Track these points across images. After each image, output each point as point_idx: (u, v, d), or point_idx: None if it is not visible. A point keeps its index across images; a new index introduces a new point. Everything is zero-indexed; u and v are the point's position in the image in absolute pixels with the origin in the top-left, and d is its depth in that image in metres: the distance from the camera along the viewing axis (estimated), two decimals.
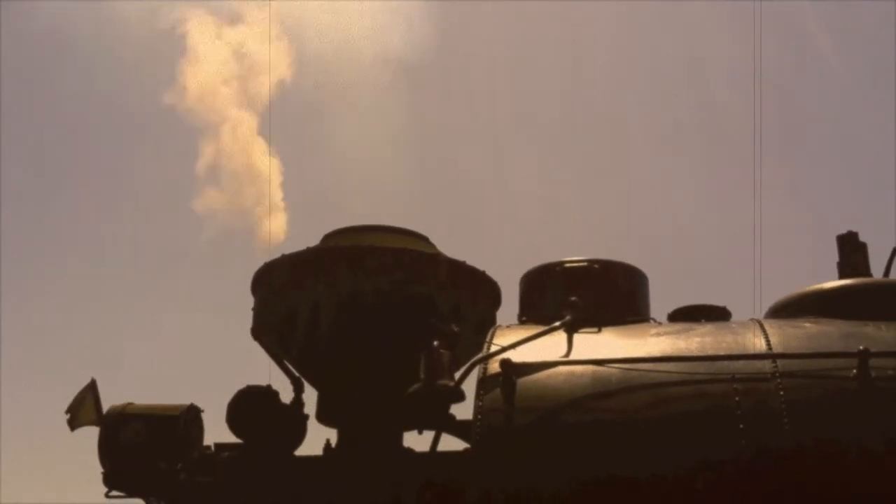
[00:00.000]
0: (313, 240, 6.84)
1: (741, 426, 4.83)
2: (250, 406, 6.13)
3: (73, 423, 6.43)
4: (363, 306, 6.20)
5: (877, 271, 6.36)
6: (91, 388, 6.58)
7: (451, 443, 5.74)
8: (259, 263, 6.81)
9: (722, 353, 5.27)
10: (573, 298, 5.86)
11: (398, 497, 5.41)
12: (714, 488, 4.69)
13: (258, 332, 6.76)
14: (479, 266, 6.66)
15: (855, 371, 4.96)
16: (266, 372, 6.77)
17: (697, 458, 4.79)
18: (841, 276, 6.28)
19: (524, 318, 6.41)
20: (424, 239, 6.81)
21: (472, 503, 4.88)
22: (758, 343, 5.33)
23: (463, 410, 5.59)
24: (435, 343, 5.62)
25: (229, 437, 6.32)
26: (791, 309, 5.95)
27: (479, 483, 4.95)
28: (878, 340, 5.20)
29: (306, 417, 6.41)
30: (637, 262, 6.54)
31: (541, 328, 5.73)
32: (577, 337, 5.69)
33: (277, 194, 7.77)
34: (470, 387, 5.48)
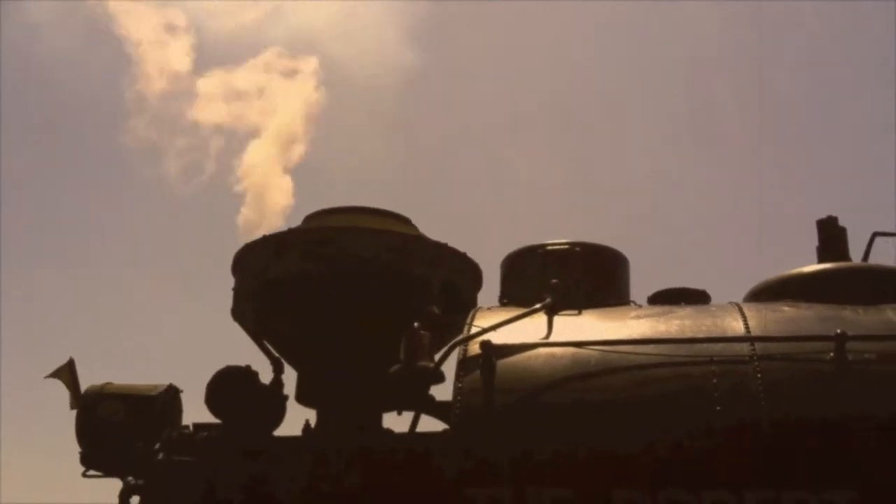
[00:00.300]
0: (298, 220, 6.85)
1: (718, 408, 4.86)
2: (229, 386, 6.10)
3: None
4: (343, 287, 6.18)
5: (856, 256, 6.41)
6: (69, 368, 6.55)
7: (430, 424, 5.75)
8: (240, 244, 6.79)
9: (701, 335, 5.29)
10: (554, 281, 5.88)
11: (374, 476, 5.40)
12: (691, 469, 4.71)
13: (238, 313, 6.74)
14: (461, 248, 6.65)
15: (832, 354, 4.99)
16: (246, 353, 6.77)
17: (675, 440, 4.81)
18: (820, 261, 6.32)
19: (505, 301, 6.43)
20: (406, 221, 6.79)
21: (451, 483, 4.89)
22: (736, 326, 5.36)
23: (443, 392, 5.61)
24: (415, 324, 5.62)
25: (208, 418, 6.31)
26: (770, 293, 5.99)
27: (458, 464, 4.96)
28: (856, 324, 5.24)
29: (286, 398, 6.40)
30: (619, 245, 6.57)
31: (521, 310, 5.75)
32: (557, 319, 5.71)
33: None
34: (450, 368, 5.51)
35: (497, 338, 5.42)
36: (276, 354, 6.62)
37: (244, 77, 8.36)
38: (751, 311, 5.53)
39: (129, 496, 5.98)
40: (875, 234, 6.47)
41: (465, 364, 5.35)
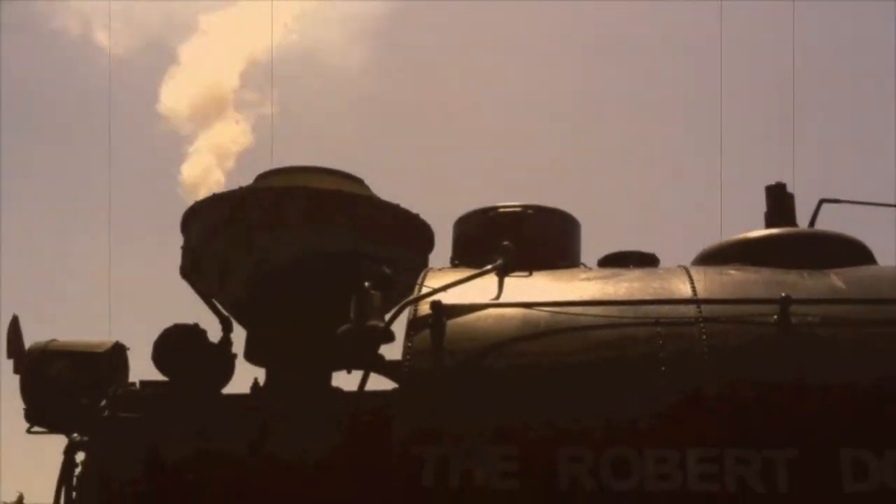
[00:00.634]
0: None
1: (663, 368, 4.91)
2: (176, 344, 6.06)
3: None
4: (293, 247, 6.13)
5: (803, 223, 6.49)
6: (12, 326, 6.44)
7: (380, 383, 5.77)
8: (190, 201, 6.71)
9: (648, 297, 5.35)
10: (505, 243, 5.89)
11: (322, 435, 5.41)
12: (636, 427, 4.77)
13: (187, 272, 6.67)
14: (413, 209, 6.63)
15: (776, 317, 5.07)
16: (195, 311, 6.71)
17: (620, 400, 4.87)
18: (768, 226, 6.40)
19: (457, 262, 6.44)
20: (359, 181, 6.75)
21: (400, 442, 4.91)
22: (683, 289, 5.42)
23: (393, 351, 5.62)
24: (366, 284, 5.61)
25: (156, 376, 6.26)
26: (718, 257, 6.06)
27: (407, 423, 4.97)
28: (800, 288, 5.32)
29: (234, 356, 6.37)
30: (571, 209, 6.60)
31: (473, 271, 5.76)
32: (508, 280, 5.73)
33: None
34: (400, 328, 5.52)
35: (447, 298, 5.42)
36: (226, 313, 6.57)
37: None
38: (698, 274, 5.60)
39: (75, 452, 5.93)
40: (822, 201, 6.56)
41: (414, 324, 5.36)
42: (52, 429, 6.20)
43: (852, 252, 5.97)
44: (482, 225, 6.42)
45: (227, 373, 6.29)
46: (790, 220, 6.43)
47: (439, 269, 6.09)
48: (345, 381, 6.06)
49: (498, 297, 5.56)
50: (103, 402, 5.85)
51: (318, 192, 6.25)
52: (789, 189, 6.55)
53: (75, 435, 5.95)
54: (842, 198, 6.57)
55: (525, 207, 6.42)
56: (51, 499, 6.00)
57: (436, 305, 5.33)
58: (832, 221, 6.52)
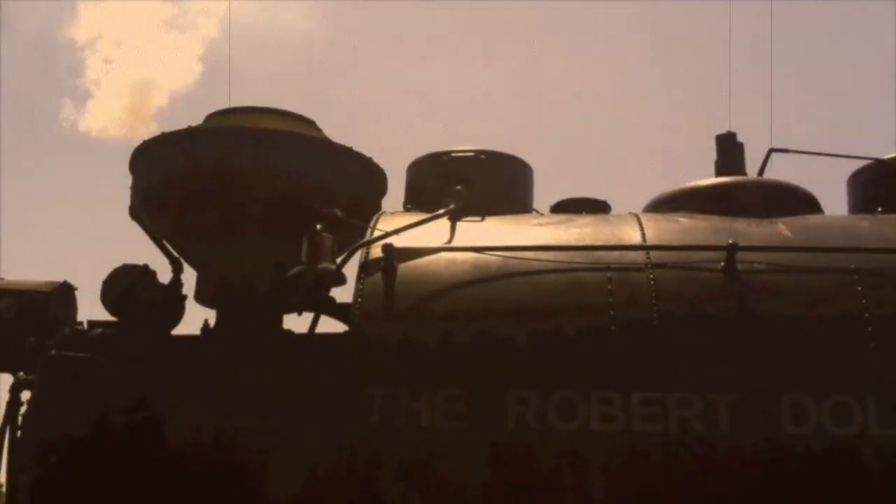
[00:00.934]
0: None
1: (612, 312, 4.98)
2: (125, 283, 5.99)
3: None
4: (243, 188, 6.07)
5: (752, 171, 6.58)
6: None
7: (330, 325, 5.77)
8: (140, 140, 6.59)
9: (599, 243, 5.40)
10: (458, 187, 5.91)
11: (272, 376, 5.40)
12: (583, 370, 4.85)
13: (136, 212, 6.57)
14: (366, 153, 6.58)
15: (723, 263, 5.15)
16: (145, 252, 6.63)
17: (568, 344, 4.93)
18: (718, 175, 6.48)
19: (409, 206, 6.43)
20: (311, 123, 6.67)
21: (349, 383, 4.93)
22: (633, 235, 5.48)
23: (344, 294, 5.62)
24: (318, 226, 5.59)
25: (104, 317, 6.20)
26: (668, 205, 6.13)
27: (356, 364, 5.00)
28: (747, 235, 5.41)
29: (184, 298, 6.32)
30: (525, 155, 6.60)
31: (425, 216, 5.76)
32: (460, 225, 5.76)
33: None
34: (352, 271, 5.52)
35: (399, 242, 5.43)
36: (176, 254, 6.50)
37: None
38: (648, 221, 5.66)
39: (20, 391, 5.86)
40: (771, 150, 6.65)
41: (366, 267, 5.37)
42: None
43: (800, 201, 6.08)
44: (435, 169, 6.41)
45: (178, 314, 6.24)
46: (740, 168, 6.50)
47: (392, 213, 6.09)
48: (295, 322, 6.05)
49: (450, 241, 5.59)
50: (50, 342, 5.78)
51: (269, 133, 6.16)
52: (739, 139, 6.62)
53: (21, 374, 5.87)
54: (791, 148, 6.65)
55: (478, 153, 6.41)
56: None
57: (388, 248, 5.33)
58: (781, 171, 6.62)
